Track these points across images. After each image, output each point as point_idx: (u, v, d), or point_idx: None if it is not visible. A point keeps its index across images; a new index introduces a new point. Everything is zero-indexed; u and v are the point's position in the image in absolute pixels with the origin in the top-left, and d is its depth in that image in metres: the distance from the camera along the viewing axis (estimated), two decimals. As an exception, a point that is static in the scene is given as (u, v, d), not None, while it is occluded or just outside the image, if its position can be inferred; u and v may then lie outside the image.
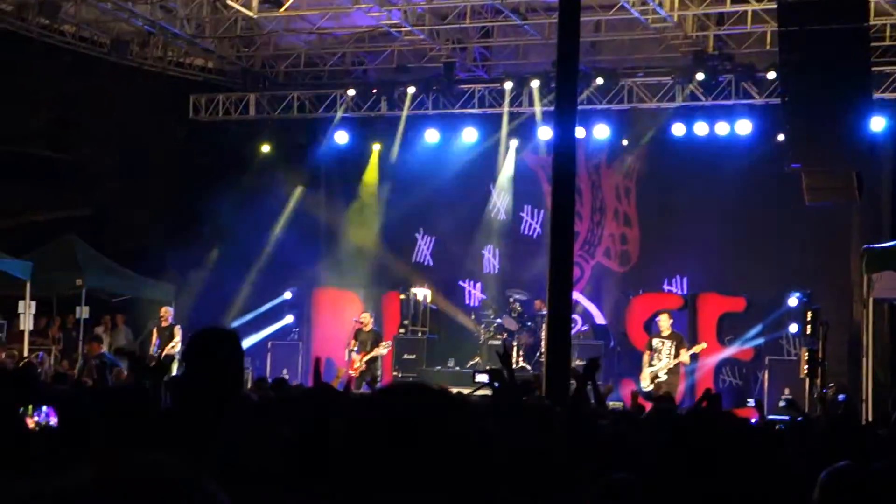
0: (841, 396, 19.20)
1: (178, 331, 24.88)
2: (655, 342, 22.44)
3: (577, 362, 22.82)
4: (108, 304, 28.75)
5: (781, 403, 20.81)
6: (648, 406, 14.34)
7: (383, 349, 25.32)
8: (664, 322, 22.87)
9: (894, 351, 23.83)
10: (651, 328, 24.42)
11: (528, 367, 24.68)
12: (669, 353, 22.14)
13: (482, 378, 13.60)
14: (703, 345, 22.92)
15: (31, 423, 5.83)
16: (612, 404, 13.93)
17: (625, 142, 27.83)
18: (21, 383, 7.26)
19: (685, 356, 22.23)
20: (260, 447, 4.35)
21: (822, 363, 22.06)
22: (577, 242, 26.18)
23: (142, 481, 2.11)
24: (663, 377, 21.79)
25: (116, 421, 5.91)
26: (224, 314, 28.30)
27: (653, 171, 27.73)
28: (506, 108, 28.00)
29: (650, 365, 22.28)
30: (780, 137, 23.50)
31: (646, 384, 21.70)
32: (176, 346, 24.63)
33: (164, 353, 24.24)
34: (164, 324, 25.01)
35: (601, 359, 12.48)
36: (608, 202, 28.57)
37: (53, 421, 5.78)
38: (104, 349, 23.82)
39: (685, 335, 23.68)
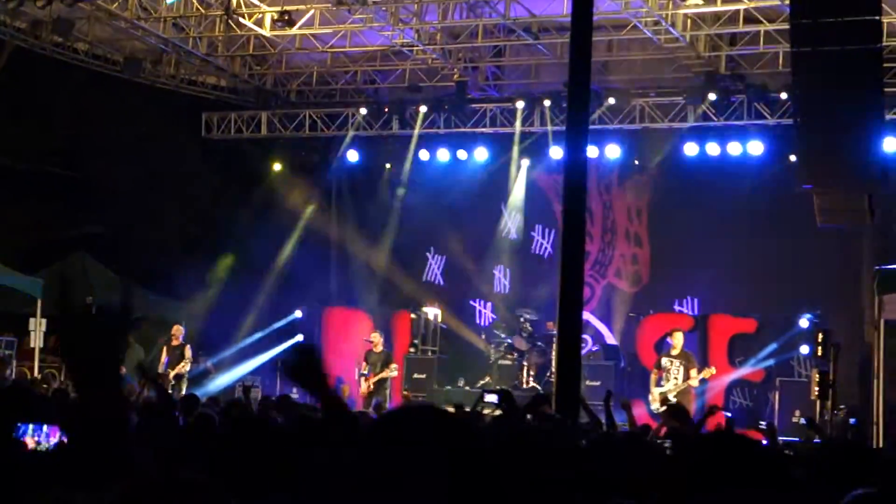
0: (852, 420, 19.11)
1: (188, 350, 24.76)
2: (664, 361, 22.22)
3: (588, 383, 22.81)
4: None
5: (802, 421, 20.70)
6: (655, 425, 14.25)
7: (393, 371, 25.23)
8: (678, 340, 22.61)
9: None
10: (662, 348, 24.34)
11: (539, 388, 24.62)
12: (678, 374, 21.93)
13: (491, 398, 13.54)
14: (712, 370, 22.73)
15: (30, 441, 5.81)
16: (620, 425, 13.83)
17: (636, 162, 27.82)
18: (13, 401, 7.23)
19: (694, 380, 21.99)
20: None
21: (833, 385, 21.98)
22: (587, 262, 26.19)
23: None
24: (673, 399, 21.53)
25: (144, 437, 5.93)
26: (234, 333, 28.32)
27: (664, 192, 27.69)
28: (517, 128, 27.99)
29: (658, 385, 22.03)
30: (793, 158, 23.48)
31: (655, 406, 21.47)
32: (186, 364, 24.54)
33: (174, 373, 24.14)
34: (174, 342, 24.89)
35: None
36: (619, 222, 28.55)
37: (53, 440, 5.74)
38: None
39: (696, 356, 23.53)
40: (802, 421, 20.15)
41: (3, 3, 22.96)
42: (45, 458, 5.92)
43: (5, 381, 20.61)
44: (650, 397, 21.88)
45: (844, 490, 4.41)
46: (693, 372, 21.73)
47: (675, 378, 21.80)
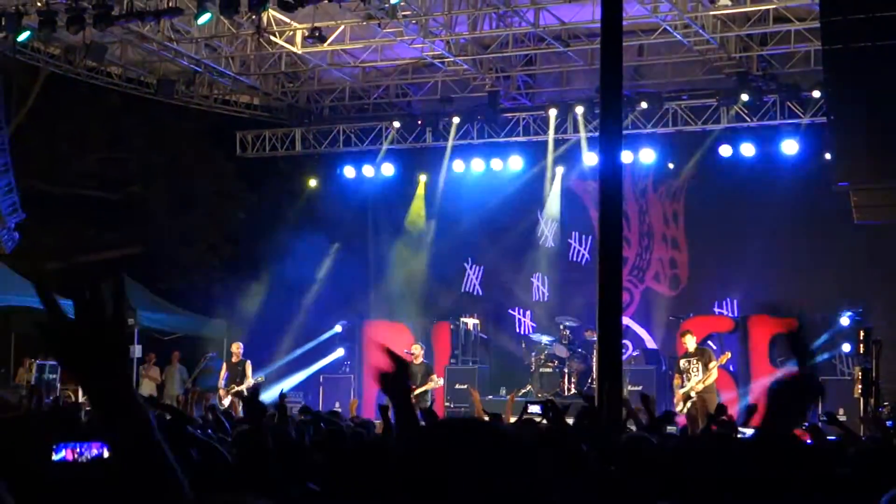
0: (889, 423, 18.95)
1: (249, 367, 24.67)
2: (682, 363, 21.89)
3: (630, 388, 22.74)
4: (160, 342, 28.90)
5: (823, 418, 20.56)
6: (683, 422, 14.12)
7: (436, 383, 25.10)
8: (689, 341, 22.40)
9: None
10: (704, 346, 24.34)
11: (581, 395, 24.55)
12: (698, 370, 21.71)
13: (535, 409, 13.53)
14: (727, 354, 22.52)
15: (69, 454, 5.89)
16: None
17: (671, 165, 27.80)
18: (51, 424, 7.35)
19: (715, 372, 21.73)
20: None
21: (876, 382, 21.88)
22: (625, 267, 26.15)
23: None
24: (694, 396, 21.30)
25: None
26: (275, 349, 28.44)
27: (700, 194, 27.66)
28: (551, 135, 28.02)
29: (681, 387, 21.75)
30: (828, 156, 23.40)
31: (680, 406, 21.25)
32: (248, 381, 24.44)
33: (235, 389, 24.04)
34: (234, 359, 24.78)
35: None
36: (656, 226, 28.52)
37: (93, 452, 5.83)
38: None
39: (735, 355, 23.31)
40: (823, 418, 19.96)
41: (36, 30, 23.14)
42: (82, 470, 5.98)
43: (45, 406, 20.70)
44: (675, 400, 21.62)
45: (882, 489, 4.42)
46: (711, 364, 21.52)
47: (696, 376, 21.57)
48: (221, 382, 24.36)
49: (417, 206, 30.44)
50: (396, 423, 3.90)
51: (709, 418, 14.13)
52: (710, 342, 23.68)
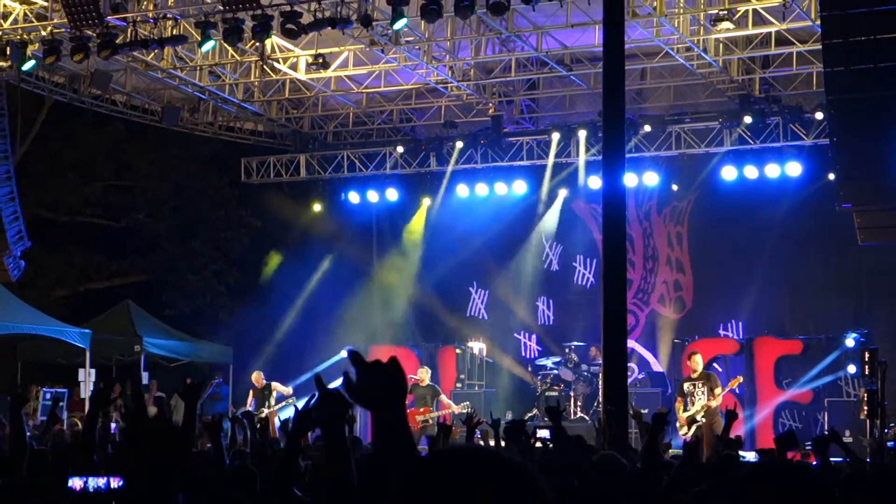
0: (890, 443, 18.89)
1: (274, 392, 24.83)
2: (686, 386, 21.44)
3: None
4: (166, 369, 28.90)
5: (826, 434, 20.46)
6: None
7: (457, 408, 24.77)
8: (697, 362, 22.04)
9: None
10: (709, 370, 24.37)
11: (587, 418, 24.56)
12: (702, 396, 21.36)
13: (543, 433, 13.51)
14: (739, 378, 22.34)
15: (77, 483, 6.03)
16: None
17: (675, 187, 27.81)
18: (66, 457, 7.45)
19: (720, 397, 21.42)
20: None
21: (881, 403, 21.85)
22: (630, 290, 26.19)
23: None
24: (701, 420, 21.04)
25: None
26: (281, 374, 28.42)
27: (704, 217, 27.70)
28: (552, 160, 28.08)
29: (685, 410, 21.40)
30: (831, 177, 23.43)
31: (683, 431, 20.97)
32: (272, 404, 24.54)
33: (263, 414, 24.09)
34: (258, 385, 24.88)
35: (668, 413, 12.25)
36: (660, 249, 28.54)
37: (102, 482, 5.94)
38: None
39: (722, 377, 23.08)
40: (826, 433, 19.84)
41: (41, 59, 23.24)
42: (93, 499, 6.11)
43: (55, 436, 20.69)
44: (677, 424, 21.28)
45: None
46: (717, 391, 21.33)
47: (701, 399, 21.26)
48: (249, 408, 24.45)
49: (422, 231, 30.47)
50: (385, 440, 3.28)
51: (717, 440, 14.17)
52: (715, 364, 23.66)
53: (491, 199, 29.31)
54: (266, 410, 24.21)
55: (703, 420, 20.75)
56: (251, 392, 25.02)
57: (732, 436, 12.16)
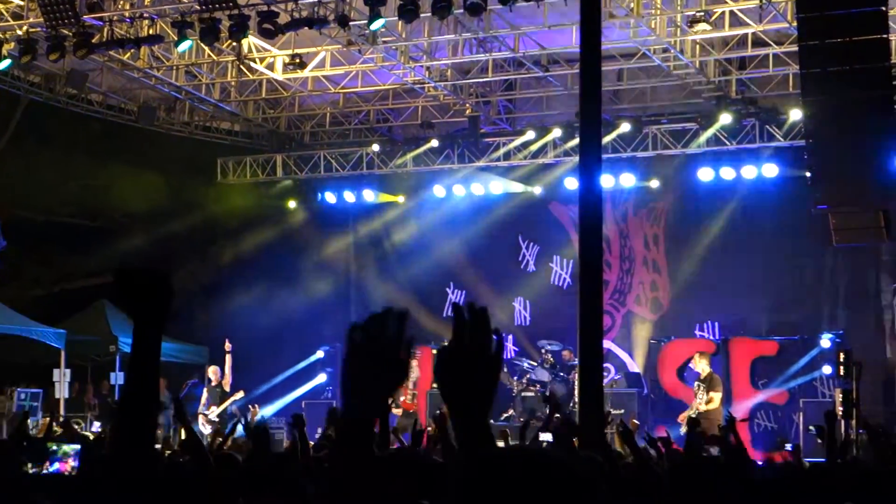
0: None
1: (228, 387, 24.79)
2: (695, 385, 22.39)
3: (612, 412, 22.75)
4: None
5: (811, 430, 20.55)
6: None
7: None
8: (701, 364, 22.48)
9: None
10: (684, 373, 24.39)
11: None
12: (701, 397, 21.90)
13: (546, 437, 13.50)
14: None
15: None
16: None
17: (652, 186, 27.82)
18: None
19: (714, 402, 21.80)
20: None
21: (856, 404, 21.95)
22: (607, 291, 26.23)
23: None
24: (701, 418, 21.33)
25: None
26: (257, 374, 28.36)
27: (680, 217, 27.75)
28: (529, 160, 28.09)
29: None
30: (808, 173, 23.51)
31: (684, 429, 21.32)
32: (227, 401, 24.49)
33: (218, 411, 24.06)
34: (213, 382, 24.81)
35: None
36: (637, 250, 28.57)
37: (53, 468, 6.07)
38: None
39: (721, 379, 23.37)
40: (812, 430, 19.90)
41: (17, 58, 23.17)
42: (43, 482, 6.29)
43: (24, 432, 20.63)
44: (679, 419, 21.82)
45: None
46: (713, 394, 21.61)
47: (699, 400, 21.79)
48: (201, 407, 24.40)
49: (398, 231, 30.46)
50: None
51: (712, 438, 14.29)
52: (690, 365, 23.74)
53: (468, 200, 29.32)
54: (216, 409, 24.16)
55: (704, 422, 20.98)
56: (206, 390, 24.96)
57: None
